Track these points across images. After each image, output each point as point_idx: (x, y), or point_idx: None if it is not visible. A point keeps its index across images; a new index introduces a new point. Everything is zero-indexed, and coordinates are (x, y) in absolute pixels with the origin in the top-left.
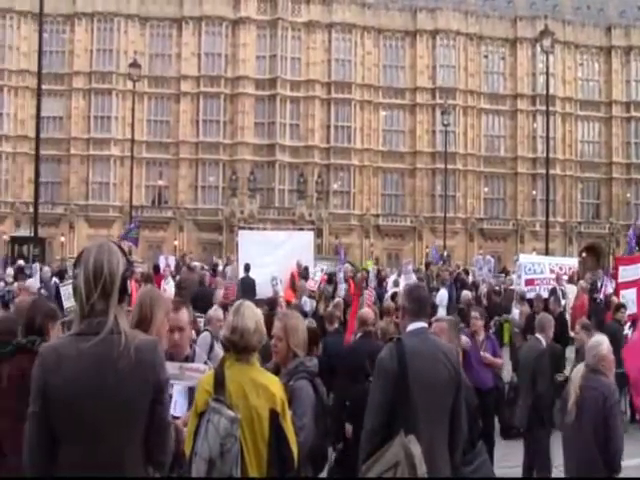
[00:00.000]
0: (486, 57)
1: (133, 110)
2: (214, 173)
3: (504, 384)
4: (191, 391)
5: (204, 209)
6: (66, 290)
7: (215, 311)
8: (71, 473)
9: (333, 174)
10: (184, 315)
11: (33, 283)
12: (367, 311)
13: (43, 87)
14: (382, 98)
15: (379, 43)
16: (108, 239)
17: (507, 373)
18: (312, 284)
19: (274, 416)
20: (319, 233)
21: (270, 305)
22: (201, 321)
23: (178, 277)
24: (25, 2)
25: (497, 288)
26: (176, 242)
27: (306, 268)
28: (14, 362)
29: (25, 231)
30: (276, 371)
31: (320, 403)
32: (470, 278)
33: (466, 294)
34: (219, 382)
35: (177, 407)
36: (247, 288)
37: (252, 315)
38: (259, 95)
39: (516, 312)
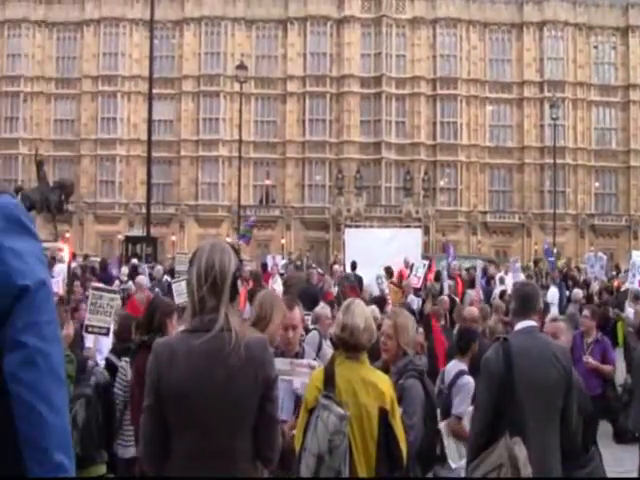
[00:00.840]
0: (596, 47)
1: (240, 111)
2: (320, 172)
3: (616, 392)
4: (297, 396)
5: (311, 207)
6: (178, 287)
7: (322, 309)
8: (184, 467)
9: (439, 171)
10: (297, 313)
11: (144, 280)
12: (472, 309)
13: (154, 91)
14: (488, 93)
15: (484, 37)
16: (218, 238)
17: (620, 374)
18: (415, 281)
19: (383, 414)
20: (426, 230)
21: (377, 304)
22: (307, 319)
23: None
24: (136, 10)
25: (609, 286)
26: (283, 241)
27: (412, 265)
28: (138, 358)
29: (138, 231)
30: (385, 369)
31: (429, 402)
32: (582, 276)
33: (577, 292)
34: (329, 379)
35: (283, 409)
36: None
37: (362, 313)
38: (364, 93)
39: (630, 311)
